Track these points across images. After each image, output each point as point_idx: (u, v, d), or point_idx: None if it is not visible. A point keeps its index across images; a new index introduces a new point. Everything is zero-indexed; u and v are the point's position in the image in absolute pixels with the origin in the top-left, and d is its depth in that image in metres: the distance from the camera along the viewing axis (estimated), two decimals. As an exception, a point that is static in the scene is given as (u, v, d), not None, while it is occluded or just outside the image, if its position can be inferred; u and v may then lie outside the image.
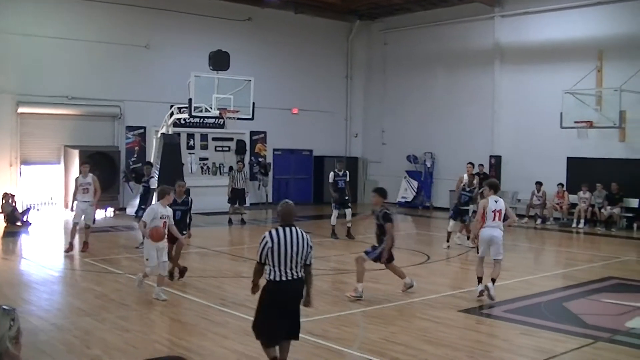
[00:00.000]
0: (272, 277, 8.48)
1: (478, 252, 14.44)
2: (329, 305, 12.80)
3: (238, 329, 10.85)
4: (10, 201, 24.93)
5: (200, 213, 27.33)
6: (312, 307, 9.11)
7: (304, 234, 8.66)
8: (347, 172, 23.28)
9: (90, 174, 19.31)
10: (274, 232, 8.52)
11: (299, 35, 35.01)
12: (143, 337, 10.82)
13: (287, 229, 8.56)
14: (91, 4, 28.42)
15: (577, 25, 28.50)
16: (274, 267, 8.44)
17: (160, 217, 13.13)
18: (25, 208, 25.52)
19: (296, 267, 8.50)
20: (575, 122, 25.90)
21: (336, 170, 22.91)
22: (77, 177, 19.70)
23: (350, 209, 22.88)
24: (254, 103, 25.54)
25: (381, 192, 13.95)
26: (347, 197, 22.90)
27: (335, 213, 22.68)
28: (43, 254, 19.38)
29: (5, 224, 24.37)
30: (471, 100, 32.48)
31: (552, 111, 26.99)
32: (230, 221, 26.46)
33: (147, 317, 12.14)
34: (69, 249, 18.70)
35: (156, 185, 20.34)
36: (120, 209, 28.75)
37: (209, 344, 10.23)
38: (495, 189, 14.02)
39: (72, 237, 18.92)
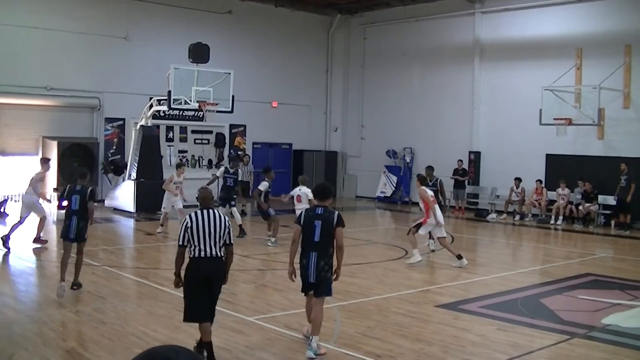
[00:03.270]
0: (192, 255, 9.27)
1: None
2: (305, 299, 12.80)
3: (213, 322, 10.82)
4: (-14, 192, 24.72)
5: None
6: (225, 284, 9.80)
7: (221, 215, 9.50)
8: (240, 171, 23.16)
9: None
10: (193, 214, 9.33)
11: (279, 28, 34.93)
12: (119, 329, 10.78)
13: (206, 211, 9.38)
14: (71, -5, 28.34)
15: (557, 22, 28.59)
16: (194, 245, 9.22)
17: None
18: (2, 199, 25.35)
19: (214, 245, 9.25)
20: (554, 119, 25.97)
21: (227, 167, 22.26)
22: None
23: (235, 207, 22.11)
24: (233, 96, 25.48)
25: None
26: (234, 196, 22.14)
27: (224, 210, 21.31)
28: (20, 246, 19.25)
29: (-19, 215, 24.18)
30: (451, 96, 32.52)
31: (532, 108, 27.05)
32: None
33: (122, 310, 12.09)
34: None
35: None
36: (99, 201, 28.58)
37: (184, 336, 10.18)
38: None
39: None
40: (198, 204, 9.78)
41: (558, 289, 14.97)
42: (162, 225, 21.61)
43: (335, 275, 10.09)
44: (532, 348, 10.34)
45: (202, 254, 9.19)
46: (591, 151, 27.37)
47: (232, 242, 9.49)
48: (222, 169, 22.06)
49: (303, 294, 10.21)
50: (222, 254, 9.37)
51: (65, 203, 13.42)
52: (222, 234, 9.30)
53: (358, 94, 36.95)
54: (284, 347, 10.05)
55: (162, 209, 21.99)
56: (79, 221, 13.14)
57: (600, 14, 27.44)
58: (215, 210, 9.50)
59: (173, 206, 21.82)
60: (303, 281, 9.96)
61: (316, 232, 9.82)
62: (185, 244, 9.25)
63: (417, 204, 32.36)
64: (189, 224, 9.21)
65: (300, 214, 10.29)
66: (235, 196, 21.17)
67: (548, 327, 11.54)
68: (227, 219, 9.55)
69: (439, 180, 20.02)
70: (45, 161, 19.15)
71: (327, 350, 9.81)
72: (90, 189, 13.64)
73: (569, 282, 15.67)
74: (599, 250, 21.68)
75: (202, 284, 9.24)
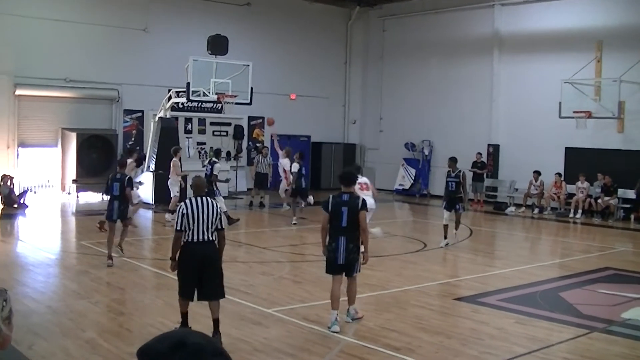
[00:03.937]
0: (188, 239, 9.84)
1: None
2: (324, 292, 12.78)
3: (232, 314, 10.85)
4: (8, 183, 24.84)
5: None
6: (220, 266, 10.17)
7: (213, 202, 10.11)
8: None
9: None
10: (188, 201, 10.01)
11: (297, 20, 34.89)
12: (137, 320, 10.84)
13: (199, 198, 9.99)
14: (90, -14, 28.39)
15: (577, 15, 28.41)
16: (189, 230, 9.79)
17: None
18: (22, 190, 25.47)
19: (207, 230, 9.83)
20: (574, 112, 25.78)
21: (213, 159, 22.65)
22: None
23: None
24: (252, 88, 25.47)
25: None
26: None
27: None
28: (39, 237, 19.37)
29: (2, 206, 24.28)
30: (469, 88, 32.39)
31: (551, 101, 26.88)
32: (251, 204, 26.74)
33: (141, 301, 12.15)
34: None
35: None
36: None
37: (202, 327, 10.19)
38: None
39: None
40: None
41: (577, 282, 14.92)
42: (173, 212, 21.53)
43: (363, 259, 10.75)
44: (550, 342, 10.30)
45: (196, 238, 9.78)
46: (611, 144, 27.19)
47: (223, 227, 10.12)
48: (217, 165, 22.11)
49: (331, 275, 10.85)
50: (214, 238, 9.94)
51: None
52: (214, 220, 9.88)
53: (377, 86, 36.87)
54: (303, 339, 10.05)
55: (175, 195, 22.13)
56: (119, 204, 15.50)
57: (620, 6, 27.26)
58: (208, 198, 10.14)
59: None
60: (331, 263, 10.67)
61: (343, 218, 10.49)
62: (183, 229, 9.81)
63: (435, 196, 32.56)
64: (185, 211, 9.81)
65: (328, 200, 10.73)
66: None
67: (567, 320, 11.50)
68: (218, 205, 10.23)
69: (462, 172, 19.10)
70: (131, 153, 22.40)
71: (347, 342, 9.82)
72: (128, 176, 15.76)
73: (588, 276, 15.60)
74: (619, 244, 21.54)
75: (195, 266, 9.78)
